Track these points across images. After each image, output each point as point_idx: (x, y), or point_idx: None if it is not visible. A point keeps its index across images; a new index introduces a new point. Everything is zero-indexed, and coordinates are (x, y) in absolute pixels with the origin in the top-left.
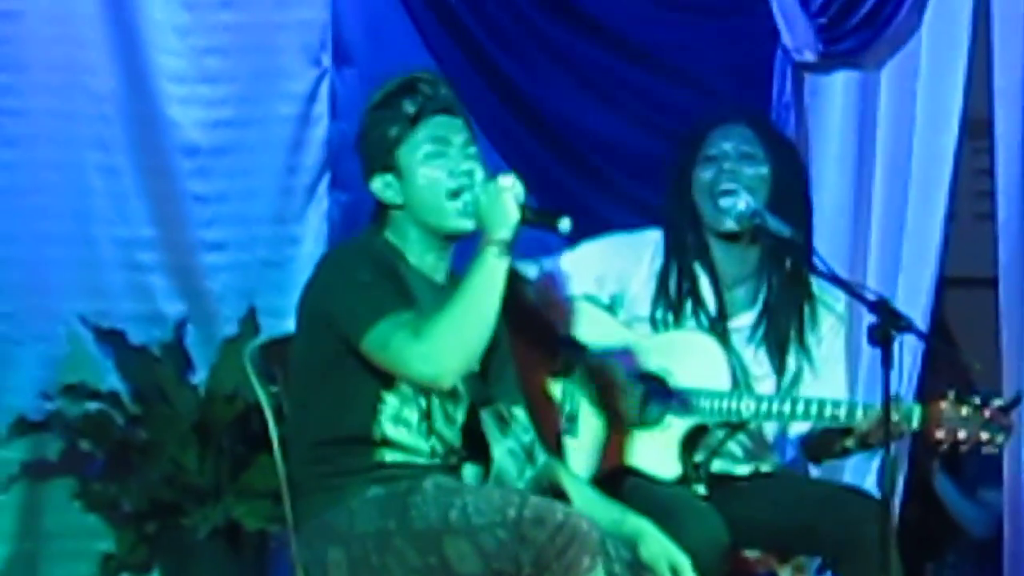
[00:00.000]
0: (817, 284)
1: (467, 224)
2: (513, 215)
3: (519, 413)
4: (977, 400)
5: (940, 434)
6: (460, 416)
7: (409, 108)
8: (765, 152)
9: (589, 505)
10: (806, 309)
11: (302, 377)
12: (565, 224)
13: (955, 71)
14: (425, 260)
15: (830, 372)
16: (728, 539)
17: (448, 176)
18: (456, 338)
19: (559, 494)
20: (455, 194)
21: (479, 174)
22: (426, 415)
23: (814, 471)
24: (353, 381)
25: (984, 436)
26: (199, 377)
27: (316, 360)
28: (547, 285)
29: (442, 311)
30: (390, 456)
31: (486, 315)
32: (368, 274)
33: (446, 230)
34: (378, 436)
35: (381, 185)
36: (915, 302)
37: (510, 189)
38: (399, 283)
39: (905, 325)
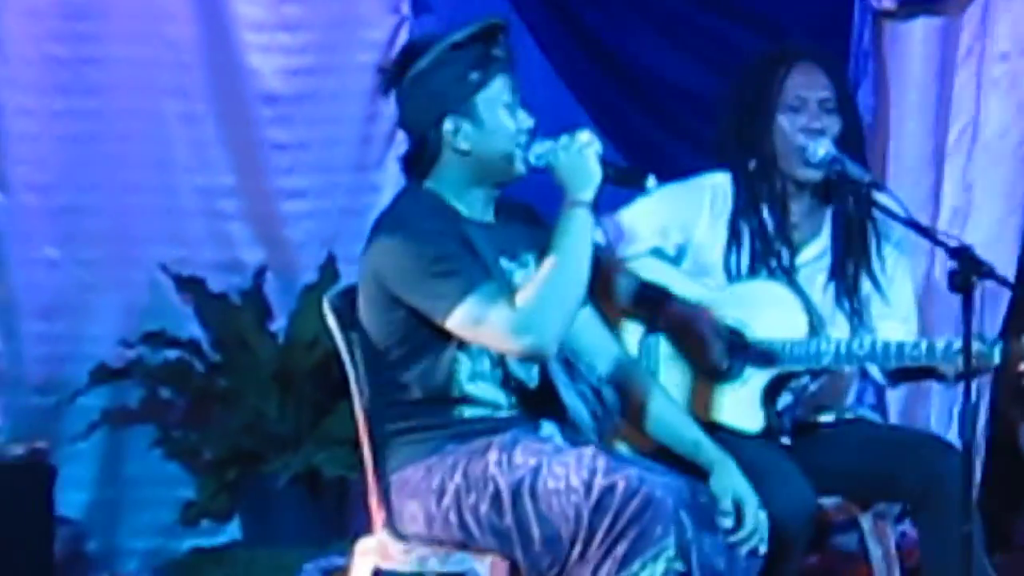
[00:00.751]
0: (877, 216)
1: (520, 169)
2: (597, 174)
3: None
4: None
5: (1022, 367)
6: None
7: (499, 53)
8: (839, 104)
9: (671, 422)
10: (870, 241)
11: (375, 343)
12: (651, 182)
13: None
14: (475, 206)
15: (897, 297)
16: (814, 503)
17: (516, 128)
18: (556, 305)
19: (641, 405)
20: (520, 145)
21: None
22: (500, 362)
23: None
24: (428, 346)
25: None
26: (279, 325)
27: (391, 330)
28: (611, 245)
29: (539, 279)
30: (469, 412)
31: (580, 277)
32: (438, 246)
33: (508, 177)
34: (457, 393)
35: (452, 127)
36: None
37: (590, 145)
38: (465, 245)
39: (986, 271)
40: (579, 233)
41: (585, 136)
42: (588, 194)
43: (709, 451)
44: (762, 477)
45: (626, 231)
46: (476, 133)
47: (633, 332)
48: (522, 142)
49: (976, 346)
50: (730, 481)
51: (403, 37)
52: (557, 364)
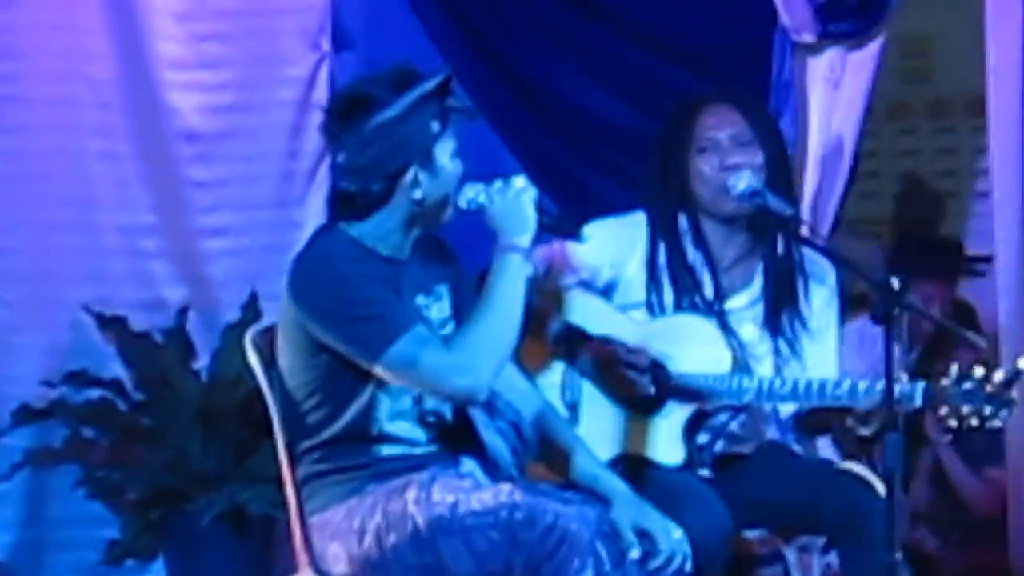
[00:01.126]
0: (807, 258)
1: (451, 213)
2: (532, 220)
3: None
4: (979, 375)
5: (943, 411)
6: None
7: (445, 111)
8: (756, 136)
9: (573, 457)
10: (798, 284)
11: (296, 385)
12: (587, 232)
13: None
14: (396, 246)
15: (827, 345)
16: (731, 525)
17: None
18: (491, 349)
19: (549, 439)
20: (461, 192)
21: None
22: (417, 400)
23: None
24: (350, 387)
25: (987, 411)
26: (202, 363)
27: (313, 373)
28: (541, 274)
29: (474, 321)
30: (387, 450)
31: (514, 321)
32: (362, 290)
33: (441, 221)
34: (375, 432)
35: (412, 177)
36: None
37: (526, 192)
38: (387, 286)
39: (908, 304)
40: (514, 279)
41: (520, 182)
42: (524, 240)
43: (607, 483)
44: (678, 503)
45: (557, 262)
46: (430, 182)
47: (556, 368)
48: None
49: (898, 388)
50: (628, 512)
51: (323, 74)
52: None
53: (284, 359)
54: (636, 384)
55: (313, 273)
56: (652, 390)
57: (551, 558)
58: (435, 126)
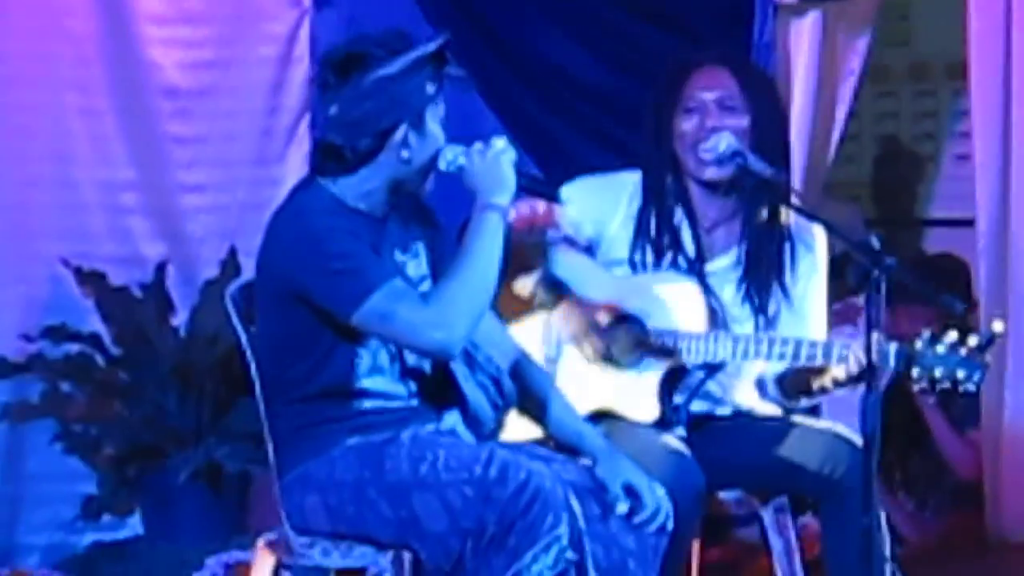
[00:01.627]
0: (795, 225)
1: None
2: (511, 180)
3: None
4: (953, 338)
5: (916, 373)
6: None
7: (439, 76)
8: (745, 98)
9: (556, 413)
10: (785, 250)
11: (274, 342)
12: (565, 194)
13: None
14: (375, 204)
15: (808, 311)
16: (703, 484)
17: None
18: (466, 304)
19: (531, 396)
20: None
21: None
22: (396, 356)
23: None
24: (329, 343)
25: (961, 374)
26: (180, 319)
27: (291, 329)
28: (523, 228)
29: (450, 277)
30: (369, 403)
31: (490, 280)
32: (338, 243)
33: (423, 183)
34: (356, 388)
35: (402, 136)
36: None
37: (505, 152)
38: (366, 241)
39: (888, 266)
40: (492, 236)
41: (500, 143)
42: (503, 199)
43: (592, 441)
44: (651, 460)
45: (540, 219)
46: (419, 143)
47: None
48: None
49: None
50: (616, 467)
51: (304, 30)
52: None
53: (262, 315)
54: (597, 346)
55: (291, 226)
56: (607, 352)
57: (524, 515)
58: (430, 88)
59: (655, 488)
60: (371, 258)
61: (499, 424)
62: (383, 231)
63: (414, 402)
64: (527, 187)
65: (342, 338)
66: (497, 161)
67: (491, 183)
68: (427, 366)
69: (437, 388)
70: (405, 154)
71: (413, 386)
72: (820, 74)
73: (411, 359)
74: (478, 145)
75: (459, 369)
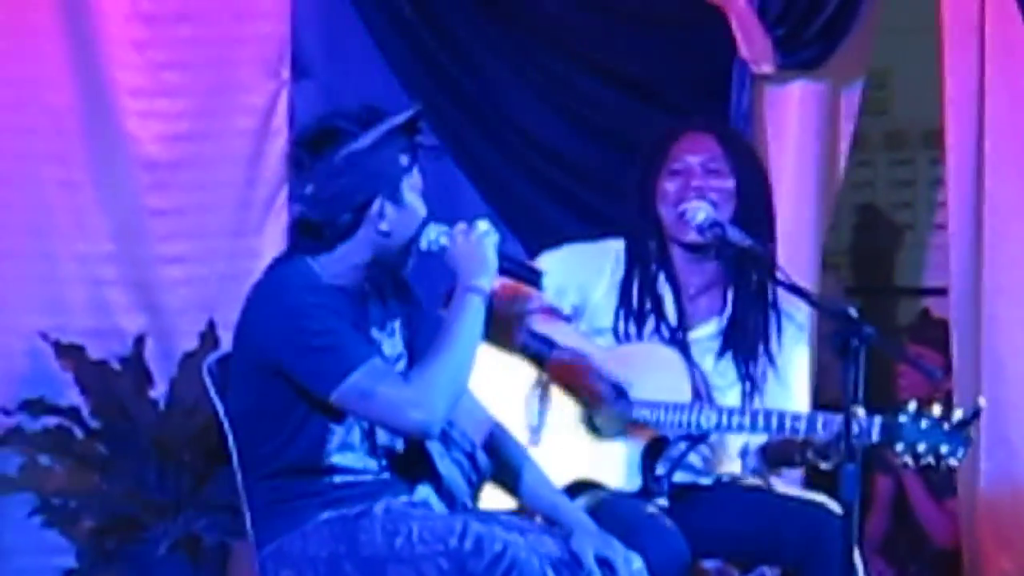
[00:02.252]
0: (779, 294)
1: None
2: (494, 263)
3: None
4: (936, 413)
5: (899, 447)
6: None
7: (413, 146)
8: (731, 165)
9: (531, 485)
10: (771, 317)
11: (247, 416)
12: (544, 281)
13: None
14: (353, 280)
15: (792, 379)
16: (688, 556)
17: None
18: (446, 386)
19: (507, 469)
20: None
21: None
22: (368, 434)
23: (774, 481)
24: (300, 419)
25: (944, 449)
26: (159, 391)
27: (264, 403)
28: (506, 298)
29: (431, 358)
30: (339, 478)
31: (470, 360)
32: (319, 320)
33: (404, 260)
34: (326, 464)
35: (378, 209)
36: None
37: (489, 236)
38: (345, 318)
39: (868, 335)
40: (472, 318)
41: (484, 226)
42: (484, 282)
43: (567, 513)
44: (636, 530)
45: (522, 290)
46: (398, 215)
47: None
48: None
49: (856, 424)
50: (589, 541)
51: (283, 102)
52: None
53: (235, 387)
54: (603, 398)
55: (269, 301)
56: (615, 403)
57: None
58: (403, 160)
59: (631, 560)
60: (351, 335)
61: (473, 499)
62: (363, 308)
63: (385, 475)
64: (510, 270)
65: (315, 413)
66: (480, 243)
67: (473, 265)
68: (399, 444)
69: (409, 463)
70: (384, 226)
71: (384, 462)
72: (814, 140)
73: (383, 436)
74: (461, 226)
75: (434, 446)
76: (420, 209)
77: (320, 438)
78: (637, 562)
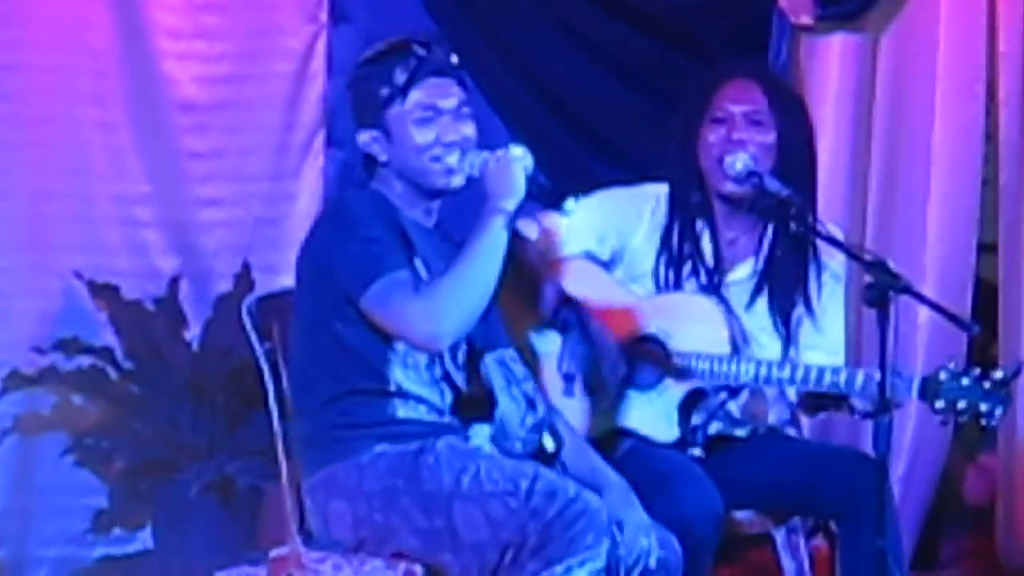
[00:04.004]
0: (817, 244)
1: (452, 181)
2: (521, 187)
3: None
4: (977, 371)
5: (939, 404)
6: (462, 358)
7: (400, 74)
8: (773, 114)
9: (571, 449)
10: (808, 268)
11: (307, 331)
12: (571, 204)
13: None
14: (414, 211)
15: (829, 326)
16: (722, 508)
17: (436, 142)
18: (456, 301)
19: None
20: (439, 158)
21: (472, 133)
22: (436, 359)
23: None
24: (361, 332)
25: (983, 408)
26: (193, 333)
27: (322, 314)
28: (547, 243)
29: (446, 273)
30: (403, 411)
31: (486, 281)
32: (368, 229)
33: (431, 188)
34: (392, 385)
35: (368, 140)
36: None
37: (521, 160)
38: (399, 234)
39: (903, 285)
40: (494, 239)
41: (518, 151)
42: (510, 203)
43: (602, 475)
44: (670, 481)
45: (563, 229)
46: (389, 147)
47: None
48: (439, 155)
49: (894, 381)
50: (613, 501)
51: (321, 46)
52: (495, 363)
53: (297, 310)
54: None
55: (330, 210)
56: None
57: (567, 529)
58: (384, 92)
59: (639, 537)
60: (393, 250)
61: (525, 444)
62: (427, 239)
63: (445, 417)
64: (536, 195)
65: (373, 329)
66: (509, 166)
67: (501, 187)
68: (460, 377)
69: (471, 398)
70: (383, 157)
71: (449, 394)
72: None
73: (448, 363)
74: (500, 152)
75: (497, 376)
76: (418, 138)
77: (382, 354)
78: (644, 541)
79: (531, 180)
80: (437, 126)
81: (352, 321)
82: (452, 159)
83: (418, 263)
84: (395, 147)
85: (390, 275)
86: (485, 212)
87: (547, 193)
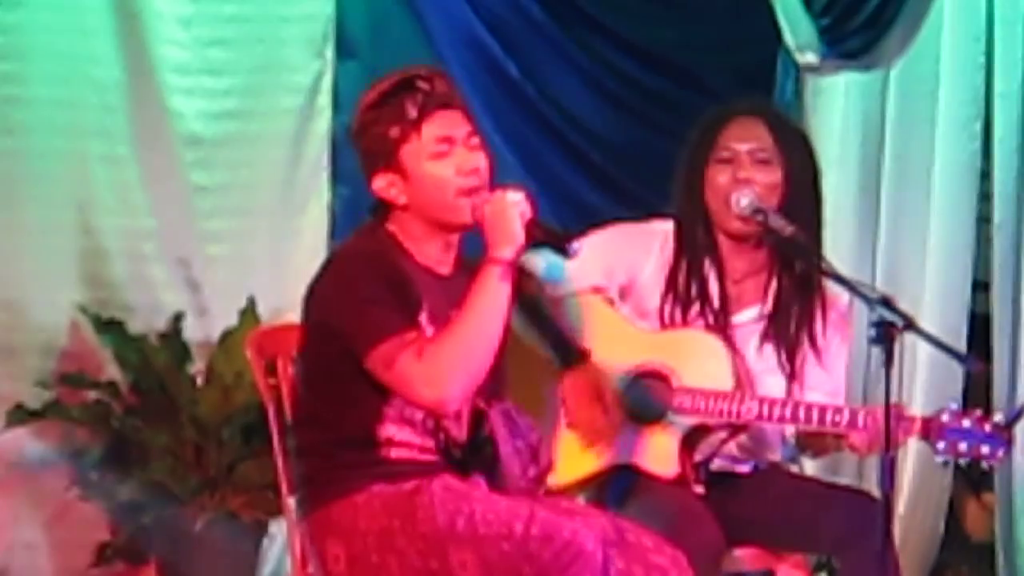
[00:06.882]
0: (823, 281)
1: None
2: (518, 234)
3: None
4: (978, 413)
5: (941, 446)
6: (464, 411)
7: (411, 109)
8: (780, 153)
9: None
10: (814, 306)
11: (310, 378)
12: (574, 247)
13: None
14: (430, 253)
15: (833, 366)
16: (722, 543)
17: (455, 174)
18: (460, 363)
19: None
20: (465, 192)
21: (484, 164)
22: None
23: (808, 466)
24: (358, 386)
25: (984, 450)
26: (197, 368)
27: (322, 366)
28: (554, 279)
29: (447, 334)
30: (395, 453)
31: (490, 338)
32: (372, 287)
33: (455, 225)
34: (382, 437)
35: (384, 184)
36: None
37: (516, 205)
38: (404, 289)
39: (908, 324)
40: (492, 294)
41: (513, 195)
42: (506, 252)
43: None
44: (671, 518)
45: (573, 264)
46: (410, 187)
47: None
48: (464, 185)
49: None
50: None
51: (327, 82)
52: (499, 416)
53: (301, 356)
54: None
55: (336, 261)
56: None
57: (562, 573)
58: (394, 131)
59: None
60: (397, 310)
61: (527, 493)
62: (441, 287)
63: (441, 458)
64: (538, 240)
65: (372, 384)
66: (505, 212)
67: (497, 235)
68: (459, 428)
69: (471, 448)
70: (402, 200)
71: (443, 442)
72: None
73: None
74: (497, 194)
75: (500, 428)
76: (436, 172)
77: (376, 410)
78: None
79: (534, 224)
80: (454, 158)
81: (350, 376)
82: (472, 187)
83: (423, 319)
84: (414, 187)
85: (393, 339)
86: (484, 263)
87: (550, 236)
